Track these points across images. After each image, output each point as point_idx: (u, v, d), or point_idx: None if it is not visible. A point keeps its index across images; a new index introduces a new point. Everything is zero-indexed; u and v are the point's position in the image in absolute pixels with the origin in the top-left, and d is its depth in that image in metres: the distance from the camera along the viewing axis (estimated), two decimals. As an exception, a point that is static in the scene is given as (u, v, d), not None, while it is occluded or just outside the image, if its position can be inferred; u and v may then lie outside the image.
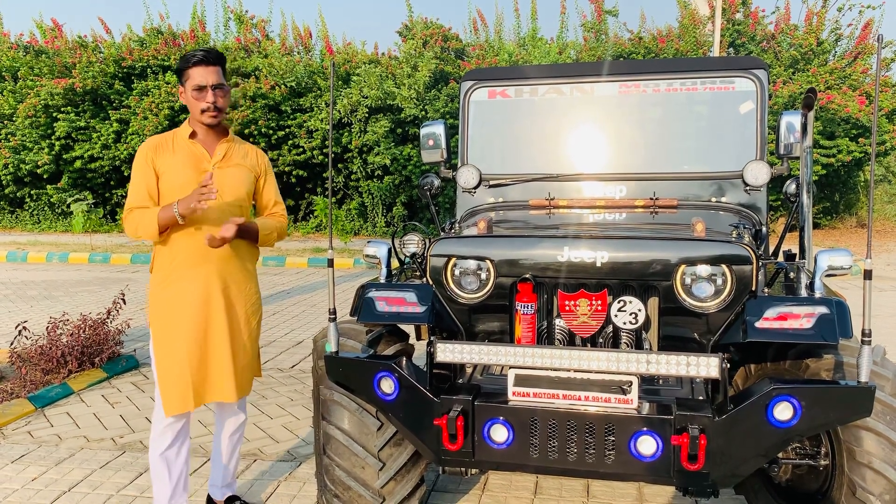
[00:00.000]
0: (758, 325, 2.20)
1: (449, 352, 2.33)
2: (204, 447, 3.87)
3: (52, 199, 15.73)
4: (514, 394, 2.28)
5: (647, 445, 2.16)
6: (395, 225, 14.12)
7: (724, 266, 2.31)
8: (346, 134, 13.82)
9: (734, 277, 2.30)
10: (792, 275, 2.51)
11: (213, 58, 2.77)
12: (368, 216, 14.50)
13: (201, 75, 2.73)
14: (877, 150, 13.25)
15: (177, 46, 15.07)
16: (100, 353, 5.27)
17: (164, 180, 2.77)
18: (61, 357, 4.99)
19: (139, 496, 3.33)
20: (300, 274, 10.49)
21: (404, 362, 2.42)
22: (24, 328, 5.06)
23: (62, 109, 14.60)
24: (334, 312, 2.38)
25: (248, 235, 2.83)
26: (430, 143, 3.48)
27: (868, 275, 1.96)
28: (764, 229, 2.97)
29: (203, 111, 2.76)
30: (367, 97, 13.39)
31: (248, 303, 2.91)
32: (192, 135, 2.83)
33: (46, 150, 14.83)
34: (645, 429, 2.16)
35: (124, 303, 5.44)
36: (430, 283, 2.57)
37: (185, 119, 2.94)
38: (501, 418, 2.27)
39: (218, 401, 2.90)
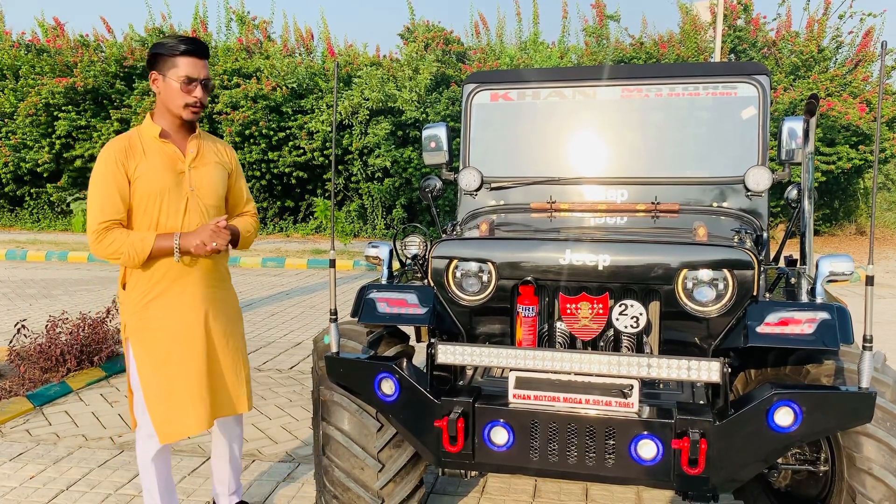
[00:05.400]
0: (759, 329, 2.20)
1: (450, 354, 2.33)
2: (203, 447, 3.86)
3: (51, 198, 15.75)
4: (514, 396, 2.28)
5: (648, 449, 2.16)
6: (394, 227, 14.13)
7: (725, 270, 2.31)
8: (346, 136, 13.84)
9: (736, 282, 2.30)
10: (793, 280, 2.51)
11: (204, 50, 2.58)
12: (368, 218, 14.52)
13: (194, 67, 2.53)
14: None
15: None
16: (99, 352, 5.26)
17: (139, 186, 2.52)
18: (60, 355, 4.99)
19: (137, 495, 3.33)
20: (300, 275, 10.49)
21: (405, 364, 2.42)
22: (24, 326, 5.07)
23: (63, 108, 14.62)
24: (335, 313, 2.37)
25: (232, 239, 2.67)
26: (432, 145, 3.48)
27: (870, 281, 1.96)
28: (765, 235, 2.97)
29: (187, 105, 2.55)
30: (368, 99, 13.40)
31: (232, 307, 2.79)
32: (162, 133, 2.60)
33: (47, 148, 14.85)
34: (645, 433, 2.16)
35: (124, 302, 5.43)
36: (432, 284, 2.57)
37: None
38: (502, 420, 2.26)
39: (228, 415, 2.77)
